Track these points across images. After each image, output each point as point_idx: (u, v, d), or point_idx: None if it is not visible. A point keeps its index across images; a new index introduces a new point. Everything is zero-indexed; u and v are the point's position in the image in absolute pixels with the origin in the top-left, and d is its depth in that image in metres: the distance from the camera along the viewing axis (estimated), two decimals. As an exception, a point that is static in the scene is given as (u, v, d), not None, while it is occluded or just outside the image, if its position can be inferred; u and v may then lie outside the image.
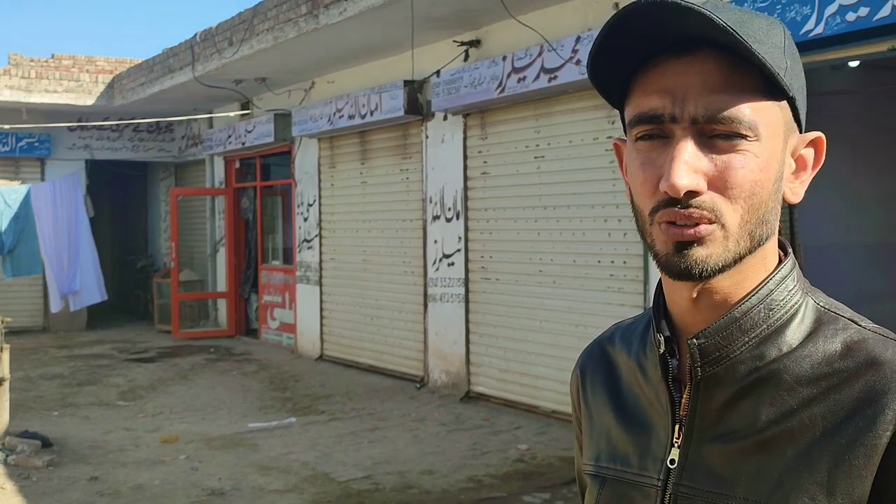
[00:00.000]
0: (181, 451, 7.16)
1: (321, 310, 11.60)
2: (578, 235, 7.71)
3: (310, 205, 11.84)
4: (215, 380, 10.47)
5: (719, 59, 0.91)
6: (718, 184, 0.91)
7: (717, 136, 0.92)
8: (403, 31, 8.42)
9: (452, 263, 9.16)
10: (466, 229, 8.99)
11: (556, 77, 7.45)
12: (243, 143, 12.96)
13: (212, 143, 14.09)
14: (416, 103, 9.42)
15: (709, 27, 0.88)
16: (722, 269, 0.93)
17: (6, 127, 13.65)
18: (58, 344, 13.58)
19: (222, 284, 14.44)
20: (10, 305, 13.65)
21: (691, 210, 0.91)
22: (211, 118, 14.25)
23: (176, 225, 14.42)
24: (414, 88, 9.40)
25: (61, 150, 15.33)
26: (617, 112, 1.02)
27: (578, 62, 7.12)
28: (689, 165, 0.91)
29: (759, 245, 0.96)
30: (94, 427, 8.07)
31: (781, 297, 0.97)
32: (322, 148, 11.60)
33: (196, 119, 14.45)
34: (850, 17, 5.23)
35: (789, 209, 6.24)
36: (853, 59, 6.01)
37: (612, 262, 7.39)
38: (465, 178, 8.98)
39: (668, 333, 1.01)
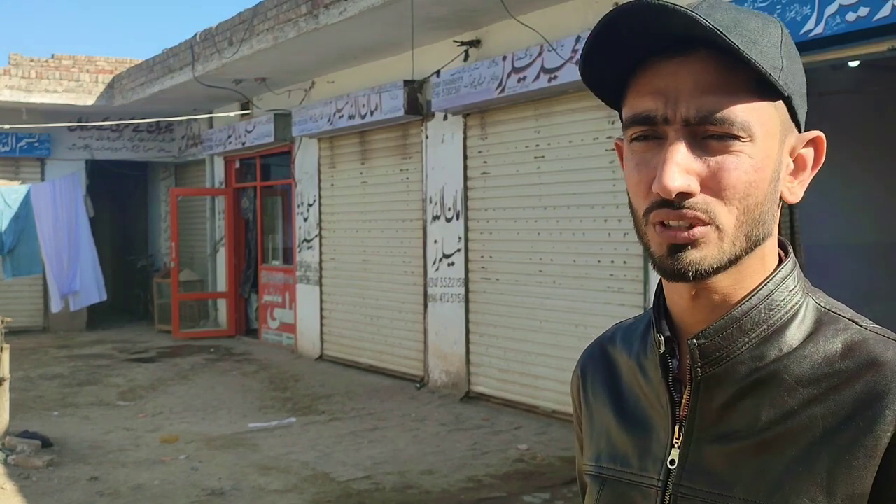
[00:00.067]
0: (181, 451, 7.16)
1: (321, 310, 11.60)
2: (578, 235, 7.71)
3: (310, 205, 11.84)
4: (215, 380, 10.47)
5: (713, 60, 0.91)
6: (712, 185, 0.91)
7: (711, 137, 0.91)
8: (403, 31, 8.42)
9: (452, 263, 9.16)
10: (466, 229, 8.99)
11: (556, 77, 7.45)
12: (243, 143, 12.97)
13: (212, 143, 14.10)
14: (416, 103, 9.42)
15: (696, 28, 0.88)
16: (717, 271, 0.93)
17: (6, 127, 13.65)
18: (58, 344, 13.58)
19: (222, 284, 14.44)
20: (10, 305, 13.65)
21: (684, 211, 0.91)
22: (211, 118, 14.25)
23: (176, 225, 14.43)
24: (414, 88, 9.40)
25: (61, 150, 15.34)
26: (617, 112, 1.02)
27: (578, 62, 7.12)
28: (680, 167, 0.90)
29: (756, 245, 0.95)
30: (94, 427, 8.07)
31: (782, 298, 0.97)
32: (322, 148, 11.60)
33: (196, 119, 14.45)
34: (850, 17, 5.23)
35: (790, 209, 6.24)
36: (853, 59, 6.01)
37: (612, 262, 7.39)
38: (465, 178, 8.98)
39: (668, 334, 1.01)
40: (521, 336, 8.32)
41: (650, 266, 0.97)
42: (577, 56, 7.15)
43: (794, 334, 0.96)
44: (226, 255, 14.33)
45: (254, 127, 12.63)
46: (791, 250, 1.03)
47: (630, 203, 0.99)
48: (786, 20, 5.48)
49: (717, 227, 0.92)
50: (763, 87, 0.92)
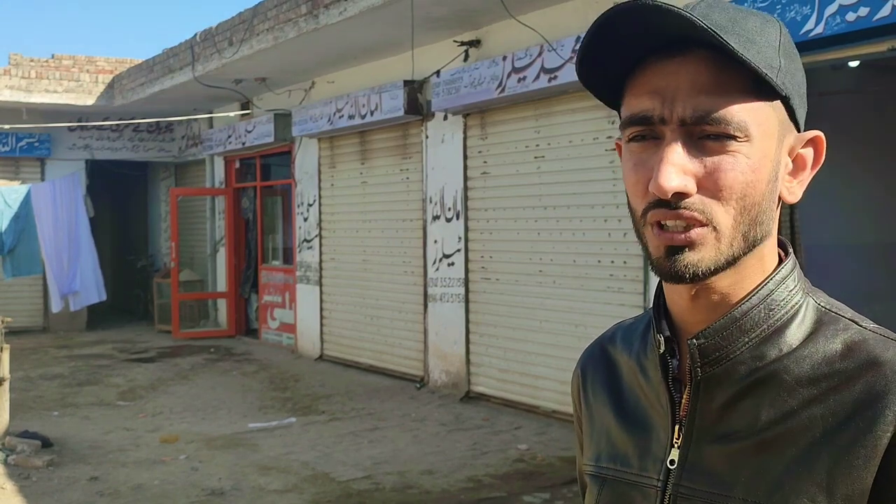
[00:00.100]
0: (181, 451, 7.16)
1: (321, 310, 11.60)
2: (578, 235, 7.71)
3: (310, 205, 11.84)
4: (215, 380, 10.47)
5: (710, 60, 0.91)
6: (709, 185, 0.91)
7: (707, 137, 0.91)
8: (403, 31, 8.42)
9: (452, 263, 9.16)
10: (466, 229, 8.99)
11: (556, 77, 7.45)
12: (243, 143, 12.97)
13: (212, 143, 14.10)
14: (416, 103, 9.42)
15: (690, 29, 0.88)
16: (714, 272, 0.93)
17: (6, 127, 13.65)
18: (58, 344, 13.58)
19: (222, 284, 14.44)
20: (10, 305, 13.65)
21: (680, 211, 0.91)
22: (211, 118, 14.24)
23: (176, 225, 14.43)
24: (414, 88, 9.40)
25: (61, 150, 15.34)
26: (617, 112, 1.02)
27: (575, 62, 7.12)
28: (676, 167, 0.90)
29: (755, 246, 0.95)
30: (94, 427, 8.07)
31: (782, 298, 0.97)
32: (322, 148, 11.60)
33: (196, 119, 14.45)
34: (850, 17, 5.23)
35: (790, 209, 6.23)
36: (853, 59, 6.01)
37: (612, 262, 7.39)
38: (465, 178, 8.98)
39: (668, 333, 1.01)
40: (521, 336, 8.32)
41: (649, 266, 0.97)
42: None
43: (794, 334, 0.96)
44: (226, 255, 14.33)
45: (254, 127, 12.63)
46: (791, 250, 1.03)
47: (629, 203, 0.99)
48: (786, 20, 5.48)
49: (715, 228, 0.92)
50: (760, 87, 0.92)
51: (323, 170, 11.60)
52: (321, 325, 11.61)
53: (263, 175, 13.95)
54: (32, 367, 11.23)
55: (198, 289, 14.68)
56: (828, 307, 0.99)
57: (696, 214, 0.91)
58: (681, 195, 0.91)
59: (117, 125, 15.65)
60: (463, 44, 8.73)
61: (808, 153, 1.00)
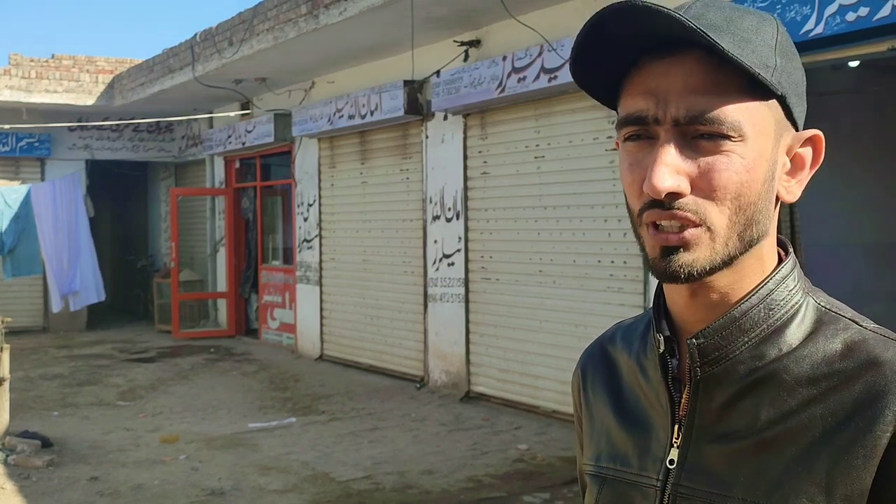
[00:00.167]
0: (181, 451, 7.16)
1: (321, 310, 11.61)
2: (578, 235, 7.71)
3: (310, 205, 11.84)
4: (215, 380, 10.47)
5: (704, 60, 0.91)
6: (703, 185, 0.91)
7: (701, 137, 0.91)
8: (403, 31, 8.42)
9: (452, 263, 9.16)
10: (466, 229, 8.99)
11: (556, 77, 7.45)
12: (243, 143, 12.97)
13: (212, 143, 14.10)
14: (416, 103, 9.42)
15: (680, 29, 0.88)
16: (710, 272, 0.93)
17: (6, 127, 13.65)
18: (58, 344, 13.58)
19: (222, 284, 14.44)
20: (10, 305, 13.65)
21: (674, 212, 0.91)
22: (211, 118, 14.25)
23: (176, 225, 14.43)
24: (414, 88, 9.40)
25: (61, 150, 15.34)
26: (616, 112, 1.02)
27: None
28: (669, 167, 0.90)
29: (752, 245, 0.95)
30: (94, 427, 8.07)
31: (782, 297, 0.97)
32: (322, 148, 11.60)
33: (196, 119, 14.45)
34: (850, 17, 5.23)
35: (790, 209, 6.23)
36: (853, 59, 6.01)
37: (612, 262, 7.39)
38: (465, 178, 8.98)
39: (667, 333, 1.01)
40: (521, 336, 8.32)
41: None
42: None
43: (794, 334, 0.96)
44: (226, 255, 14.33)
45: (254, 127, 12.63)
46: (791, 250, 1.02)
47: (626, 203, 0.99)
48: (786, 20, 5.47)
49: (709, 228, 0.92)
50: (755, 86, 0.92)
51: (323, 170, 11.60)
52: (321, 325, 11.61)
53: (263, 175, 13.95)
54: (32, 367, 11.23)
55: (198, 289, 14.68)
56: (828, 307, 0.99)
57: (689, 215, 0.91)
58: (674, 195, 0.91)
59: (117, 125, 15.65)
60: (463, 44, 8.73)
61: (807, 152, 0.99)
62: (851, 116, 7.53)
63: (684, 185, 0.91)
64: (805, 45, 5.34)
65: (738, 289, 0.97)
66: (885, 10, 5.05)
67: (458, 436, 7.48)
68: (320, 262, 11.63)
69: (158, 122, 15.18)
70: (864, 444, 0.89)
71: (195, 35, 11.55)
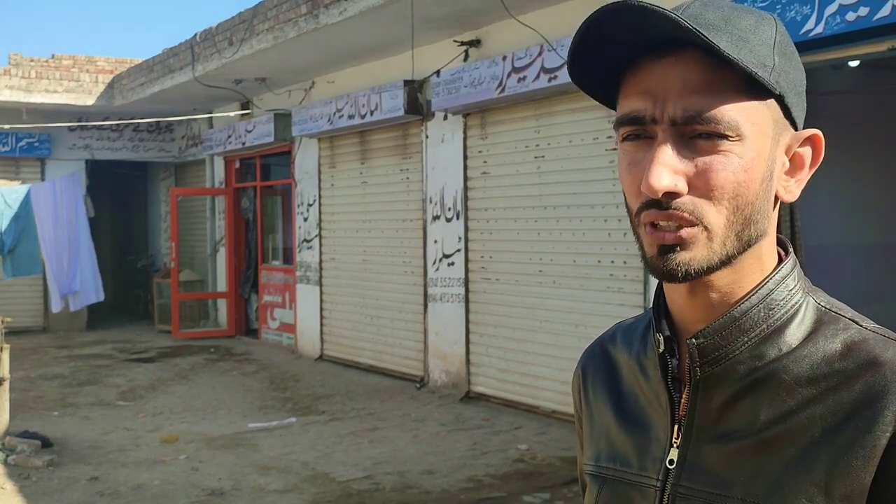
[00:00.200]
0: (181, 451, 7.16)
1: (321, 310, 11.60)
2: (578, 235, 7.71)
3: (310, 205, 11.84)
4: (215, 380, 10.47)
5: (702, 60, 0.91)
6: (700, 185, 0.91)
7: (698, 136, 0.91)
8: (403, 31, 8.42)
9: (452, 263, 9.16)
10: (466, 229, 8.99)
11: (556, 77, 7.45)
12: (243, 143, 12.97)
13: (212, 143, 14.10)
14: (416, 103, 9.42)
15: (676, 29, 0.88)
16: (707, 272, 0.93)
17: (6, 127, 13.65)
18: (58, 344, 13.58)
19: (222, 284, 14.44)
20: (10, 305, 13.65)
21: (671, 212, 0.91)
22: (211, 118, 14.25)
23: (176, 225, 14.43)
24: (414, 88, 9.40)
25: (61, 150, 15.34)
26: (615, 112, 1.02)
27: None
28: (666, 167, 0.90)
29: (750, 245, 0.95)
30: (94, 427, 8.07)
31: (781, 297, 0.97)
32: (322, 148, 11.60)
33: (196, 119, 14.45)
34: (850, 16, 5.23)
35: (790, 209, 6.23)
36: (853, 59, 6.01)
37: (612, 262, 7.39)
38: (465, 178, 8.98)
39: (667, 333, 1.01)
40: (521, 336, 8.32)
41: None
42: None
43: (794, 334, 0.96)
44: (226, 255, 14.33)
45: (254, 127, 12.63)
46: (791, 249, 1.02)
47: (625, 202, 0.99)
48: (786, 20, 5.47)
49: (706, 228, 0.92)
50: (753, 86, 0.91)
51: (323, 170, 11.60)
52: (321, 325, 11.61)
53: (263, 175, 13.95)
54: (32, 367, 11.23)
55: (198, 289, 14.69)
56: (828, 307, 0.99)
57: (685, 215, 0.91)
58: (671, 195, 0.91)
59: (117, 125, 15.65)
60: (463, 44, 8.73)
61: (807, 152, 0.99)
62: (851, 116, 7.53)
63: (681, 185, 0.91)
64: (805, 45, 5.34)
65: (738, 288, 0.97)
66: (885, 10, 5.05)
67: (458, 436, 7.48)
68: (320, 262, 11.63)
69: (158, 122, 15.18)
70: (864, 444, 0.88)
71: (195, 35, 11.55)
